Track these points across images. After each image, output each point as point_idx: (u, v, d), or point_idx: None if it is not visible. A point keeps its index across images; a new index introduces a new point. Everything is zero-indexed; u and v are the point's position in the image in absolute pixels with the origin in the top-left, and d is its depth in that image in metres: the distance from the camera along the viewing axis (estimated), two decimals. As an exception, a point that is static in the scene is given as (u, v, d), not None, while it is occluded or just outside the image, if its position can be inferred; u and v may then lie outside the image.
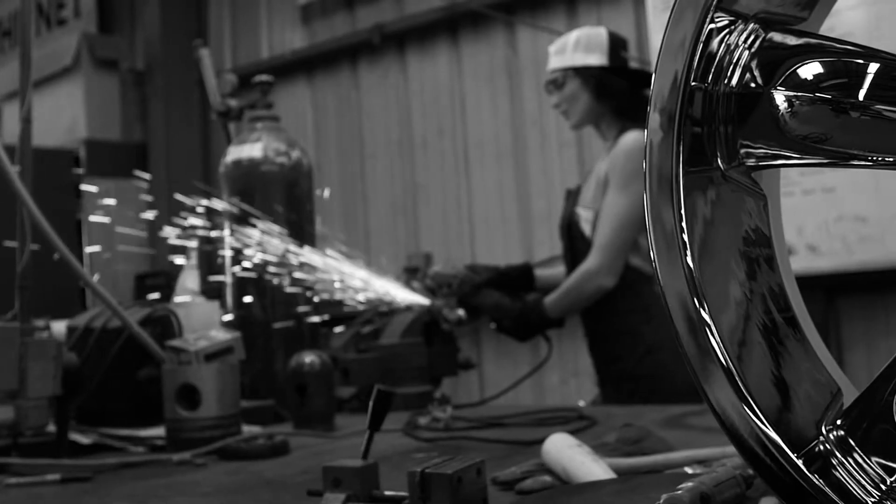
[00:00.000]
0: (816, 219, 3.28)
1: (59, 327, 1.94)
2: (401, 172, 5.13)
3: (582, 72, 2.74)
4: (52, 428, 1.53)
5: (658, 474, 0.99)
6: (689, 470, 0.96)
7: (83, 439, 1.61)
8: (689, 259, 0.60)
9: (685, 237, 0.60)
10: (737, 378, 0.59)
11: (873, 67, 0.59)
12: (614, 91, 2.74)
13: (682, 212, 0.61)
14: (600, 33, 2.79)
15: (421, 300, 2.27)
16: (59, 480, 1.34)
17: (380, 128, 5.23)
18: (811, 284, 3.42)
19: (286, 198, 2.13)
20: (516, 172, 4.66)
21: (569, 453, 1.02)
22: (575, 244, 2.76)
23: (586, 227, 2.71)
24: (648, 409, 1.83)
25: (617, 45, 2.78)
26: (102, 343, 1.74)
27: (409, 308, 2.28)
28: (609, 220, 2.61)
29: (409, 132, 5.10)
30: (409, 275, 3.22)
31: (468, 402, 2.17)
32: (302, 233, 2.13)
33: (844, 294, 3.51)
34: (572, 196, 2.87)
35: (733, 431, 0.60)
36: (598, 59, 2.73)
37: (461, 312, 2.25)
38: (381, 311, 2.38)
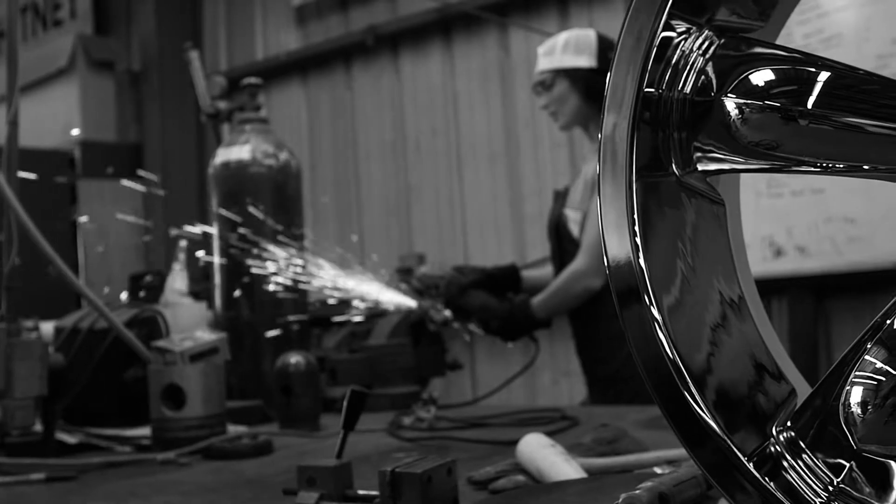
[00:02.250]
0: (806, 220, 3.29)
1: (48, 328, 1.95)
2: (394, 173, 5.14)
3: (571, 73, 2.75)
4: (38, 428, 1.54)
5: (625, 474, 1.01)
6: (658, 470, 0.97)
7: (70, 439, 1.62)
8: (641, 261, 0.61)
9: (638, 241, 0.62)
10: (688, 379, 0.61)
11: (824, 76, 0.60)
12: (603, 93, 2.75)
13: (636, 216, 0.62)
14: (589, 35, 2.80)
15: (408, 301, 2.28)
16: (44, 479, 1.35)
17: (373, 129, 5.25)
18: (800, 285, 3.43)
19: (275, 199, 2.15)
20: (509, 173, 4.67)
21: (542, 453, 1.03)
22: (563, 245, 2.77)
23: (574, 229, 2.72)
24: (631, 410, 1.85)
25: (606, 46, 2.79)
26: (89, 344, 1.75)
27: (396, 309, 2.29)
28: (597, 222, 2.62)
29: (402, 133, 5.11)
30: (402, 276, 3.23)
31: (458, 403, 2.18)
32: (290, 234, 2.14)
33: (833, 295, 3.52)
34: (560, 197, 2.88)
35: (684, 433, 0.61)
36: (586, 60, 2.75)
37: (447, 313, 2.27)
38: (373, 313, 2.39)
